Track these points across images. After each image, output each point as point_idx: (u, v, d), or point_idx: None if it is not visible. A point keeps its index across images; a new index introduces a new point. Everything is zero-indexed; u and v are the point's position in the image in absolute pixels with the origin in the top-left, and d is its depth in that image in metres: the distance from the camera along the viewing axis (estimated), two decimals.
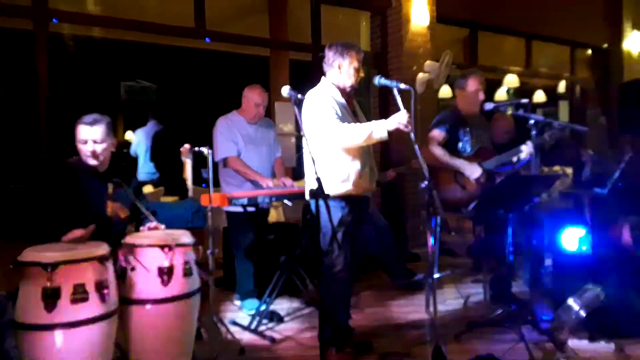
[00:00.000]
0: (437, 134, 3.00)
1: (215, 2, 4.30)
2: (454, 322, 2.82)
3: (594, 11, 7.03)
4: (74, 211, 2.05)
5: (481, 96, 3.02)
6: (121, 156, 6.27)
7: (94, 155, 2.14)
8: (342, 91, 2.42)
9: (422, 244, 4.47)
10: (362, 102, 4.81)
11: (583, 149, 3.67)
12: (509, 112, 2.88)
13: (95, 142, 2.14)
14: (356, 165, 2.35)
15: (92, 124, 2.14)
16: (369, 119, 2.44)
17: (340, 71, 2.40)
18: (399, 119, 2.19)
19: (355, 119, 2.45)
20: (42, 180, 2.27)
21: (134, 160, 5.04)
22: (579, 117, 7.27)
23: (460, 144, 3.02)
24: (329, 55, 2.42)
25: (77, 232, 1.98)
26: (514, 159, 2.87)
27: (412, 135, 2.20)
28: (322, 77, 2.46)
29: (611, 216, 2.90)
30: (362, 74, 2.42)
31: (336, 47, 2.41)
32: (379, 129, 2.23)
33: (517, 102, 2.77)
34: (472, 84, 3.01)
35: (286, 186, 3.00)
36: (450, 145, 3.00)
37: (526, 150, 2.78)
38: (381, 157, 4.90)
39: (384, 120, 2.25)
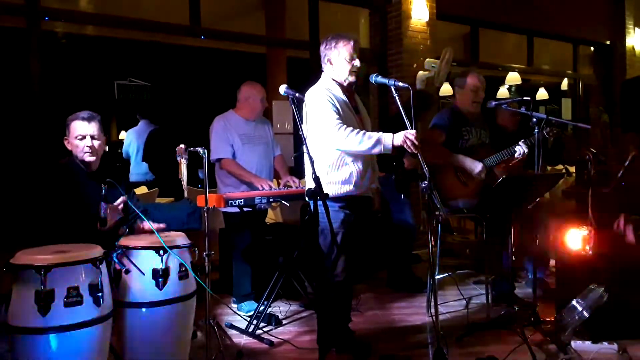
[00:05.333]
0: (437, 134, 2.98)
1: None
2: (455, 324, 2.79)
3: (596, 8, 6.99)
4: (71, 213, 2.01)
5: (481, 95, 3.00)
6: (114, 156, 6.22)
7: (93, 150, 2.12)
8: (342, 86, 2.37)
9: (423, 244, 4.46)
10: (362, 101, 4.79)
11: (586, 147, 3.64)
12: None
13: (92, 137, 2.12)
14: (358, 166, 2.32)
15: (89, 119, 2.13)
16: (370, 117, 2.40)
17: (332, 65, 2.34)
18: (408, 136, 2.14)
19: (357, 115, 2.40)
20: (36, 182, 2.23)
21: (127, 161, 4.98)
22: (582, 114, 7.23)
23: (460, 142, 3.00)
24: (321, 50, 2.38)
25: None
26: (507, 157, 2.89)
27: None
28: (322, 74, 2.41)
29: (615, 215, 2.86)
30: (357, 64, 2.32)
31: (325, 41, 2.36)
32: (384, 143, 2.19)
33: (520, 100, 2.76)
34: (472, 82, 2.99)
35: (292, 186, 2.97)
36: (450, 143, 2.98)
37: (519, 150, 2.83)
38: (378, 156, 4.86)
39: (391, 134, 2.20)
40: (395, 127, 2.29)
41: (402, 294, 3.39)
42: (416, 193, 4.74)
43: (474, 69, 3.16)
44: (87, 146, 2.10)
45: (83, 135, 2.11)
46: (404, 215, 3.47)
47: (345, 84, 2.37)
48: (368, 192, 2.43)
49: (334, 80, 2.36)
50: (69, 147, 2.15)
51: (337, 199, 2.27)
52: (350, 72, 2.33)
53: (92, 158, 2.12)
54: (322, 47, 2.37)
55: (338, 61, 2.32)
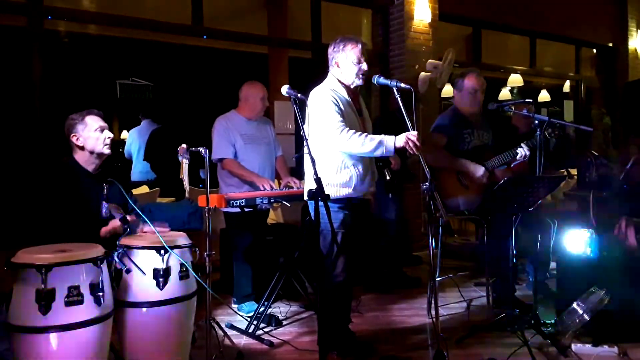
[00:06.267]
0: (438, 137, 2.97)
1: None
2: (456, 326, 2.79)
3: (599, 10, 6.98)
4: (72, 212, 2.01)
5: (479, 97, 2.97)
6: (116, 156, 6.23)
7: (111, 142, 2.17)
8: (348, 88, 2.37)
9: (424, 246, 4.46)
10: (364, 102, 4.79)
11: (588, 149, 3.64)
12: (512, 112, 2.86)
13: (108, 130, 2.17)
14: (359, 169, 2.32)
15: (101, 115, 2.19)
16: (370, 118, 2.40)
17: (340, 68, 2.34)
18: (410, 137, 2.14)
19: (360, 118, 2.40)
20: (38, 181, 2.24)
21: (128, 161, 4.99)
22: (584, 116, 7.22)
23: (461, 145, 2.99)
24: (328, 52, 2.38)
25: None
26: (509, 159, 2.89)
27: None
28: (328, 74, 2.41)
29: (616, 218, 2.86)
30: (364, 67, 2.31)
31: (333, 43, 2.36)
32: (386, 145, 2.19)
33: (522, 102, 2.75)
34: (469, 83, 2.97)
35: (293, 187, 2.97)
36: (452, 146, 2.97)
37: (521, 152, 2.83)
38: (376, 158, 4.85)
39: (393, 136, 2.20)
40: (389, 124, 2.28)
41: (402, 296, 3.39)
42: (413, 195, 4.74)
43: (473, 70, 3.11)
44: (108, 138, 2.15)
45: (103, 127, 2.15)
46: (388, 214, 3.49)
47: (352, 87, 2.37)
48: (367, 196, 2.43)
49: (340, 81, 2.36)
50: (80, 143, 2.13)
51: (335, 200, 2.27)
52: (357, 75, 2.32)
53: (109, 151, 2.17)
54: (329, 49, 2.36)
55: (345, 64, 2.32)
